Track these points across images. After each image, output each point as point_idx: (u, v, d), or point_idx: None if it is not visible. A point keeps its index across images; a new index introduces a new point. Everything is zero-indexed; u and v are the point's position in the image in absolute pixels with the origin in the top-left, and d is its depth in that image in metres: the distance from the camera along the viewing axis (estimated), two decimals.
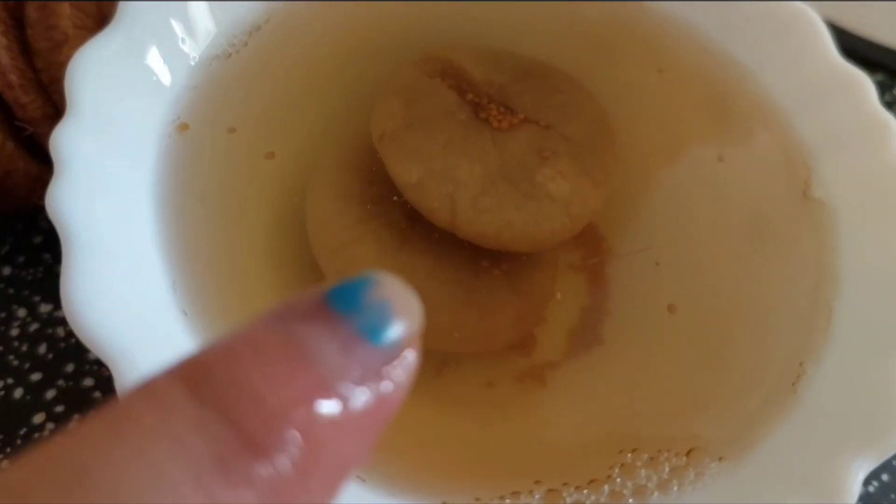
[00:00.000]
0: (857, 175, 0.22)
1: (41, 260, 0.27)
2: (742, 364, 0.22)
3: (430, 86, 0.23)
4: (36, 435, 0.24)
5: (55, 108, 0.24)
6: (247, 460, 0.09)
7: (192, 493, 0.09)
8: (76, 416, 0.25)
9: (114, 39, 0.21)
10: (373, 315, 0.11)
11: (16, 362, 0.25)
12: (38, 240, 0.27)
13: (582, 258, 0.25)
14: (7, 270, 0.27)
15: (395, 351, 0.11)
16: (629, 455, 0.20)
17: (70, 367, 0.25)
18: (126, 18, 0.21)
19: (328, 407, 0.10)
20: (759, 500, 0.18)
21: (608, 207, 0.25)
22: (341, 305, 0.11)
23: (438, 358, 0.23)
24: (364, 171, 0.23)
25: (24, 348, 0.25)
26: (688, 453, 0.20)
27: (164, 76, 0.22)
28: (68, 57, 0.20)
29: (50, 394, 0.25)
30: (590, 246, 0.26)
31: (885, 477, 0.26)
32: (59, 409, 0.24)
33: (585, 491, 0.19)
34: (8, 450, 0.24)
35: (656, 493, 0.19)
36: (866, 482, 0.26)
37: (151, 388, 0.10)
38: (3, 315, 0.26)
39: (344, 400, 0.10)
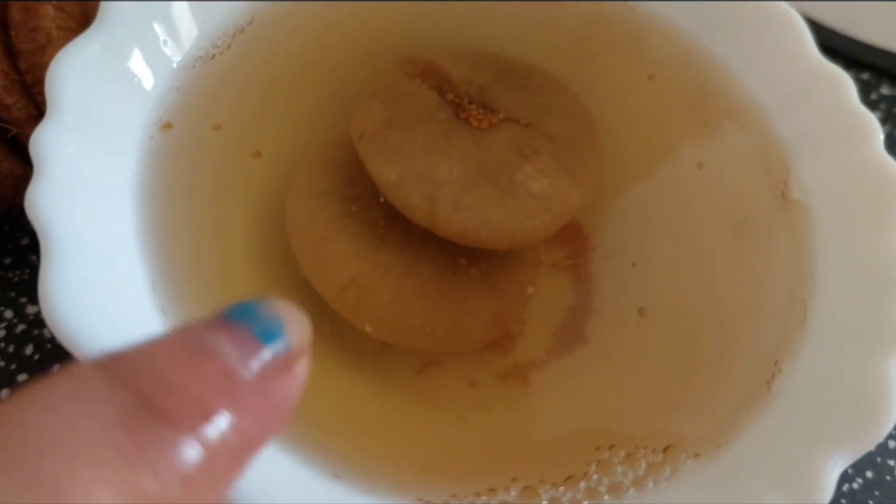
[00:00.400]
0: (836, 174, 0.22)
1: (28, 261, 0.27)
2: (718, 362, 0.22)
3: (411, 87, 0.23)
4: None
5: (39, 110, 0.24)
6: (151, 421, 0.10)
7: (102, 446, 0.10)
8: None
9: (95, 41, 0.21)
10: (265, 323, 0.12)
11: (2, 363, 0.25)
12: (24, 241, 0.27)
13: (566, 257, 0.26)
14: None
15: (288, 354, 0.12)
16: (606, 452, 0.20)
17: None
18: (107, 20, 0.21)
19: (226, 388, 0.11)
20: (735, 496, 0.18)
21: (592, 206, 0.25)
22: (238, 318, 0.12)
23: (421, 357, 0.23)
24: (345, 171, 0.23)
25: (11, 349, 0.25)
26: (664, 450, 0.20)
27: (147, 78, 0.22)
28: (52, 58, 0.20)
29: None
30: (574, 245, 0.26)
31: (869, 474, 0.26)
32: None
33: (562, 488, 0.19)
34: None
35: (632, 490, 0.19)
36: (850, 480, 0.26)
37: (69, 369, 0.11)
38: None
39: (242, 385, 0.11)
